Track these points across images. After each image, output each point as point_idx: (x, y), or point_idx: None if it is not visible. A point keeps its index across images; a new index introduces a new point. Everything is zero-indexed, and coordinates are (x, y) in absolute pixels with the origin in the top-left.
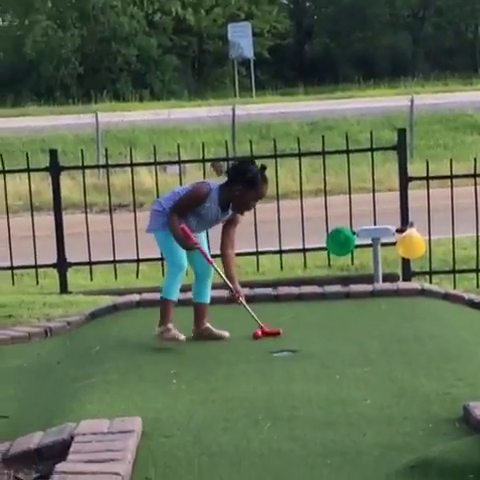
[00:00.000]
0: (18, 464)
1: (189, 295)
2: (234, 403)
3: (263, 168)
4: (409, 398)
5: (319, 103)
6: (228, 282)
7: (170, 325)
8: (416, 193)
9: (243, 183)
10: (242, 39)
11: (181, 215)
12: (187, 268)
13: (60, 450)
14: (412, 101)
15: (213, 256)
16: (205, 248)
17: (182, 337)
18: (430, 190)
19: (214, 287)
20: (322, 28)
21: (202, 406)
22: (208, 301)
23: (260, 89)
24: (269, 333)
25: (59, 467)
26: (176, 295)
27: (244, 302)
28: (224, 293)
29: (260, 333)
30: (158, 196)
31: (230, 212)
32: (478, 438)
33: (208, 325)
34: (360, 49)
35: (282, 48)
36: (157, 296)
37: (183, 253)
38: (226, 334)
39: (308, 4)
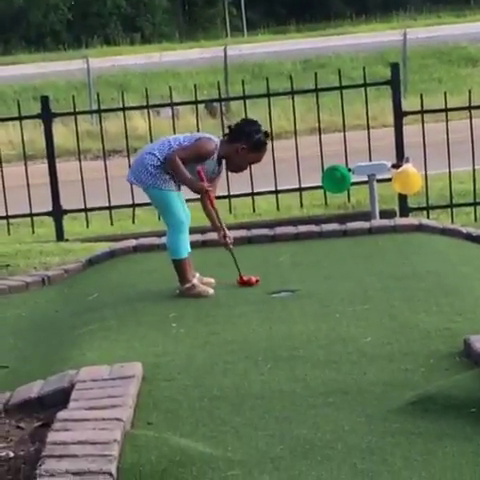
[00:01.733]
0: (20, 413)
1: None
2: (234, 345)
3: (266, 134)
4: (409, 334)
5: (312, 41)
6: (221, 225)
7: (195, 280)
8: (411, 128)
9: (248, 143)
10: None
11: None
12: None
13: (61, 398)
14: (405, 35)
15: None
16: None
17: (211, 291)
18: (425, 125)
19: (208, 230)
20: None
21: (202, 349)
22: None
23: (251, 28)
24: (246, 282)
25: (60, 415)
26: (186, 251)
27: (231, 247)
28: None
29: (240, 281)
30: (152, 140)
31: (223, 168)
32: (479, 372)
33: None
34: None
35: None
36: (154, 241)
37: (181, 207)
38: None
39: None
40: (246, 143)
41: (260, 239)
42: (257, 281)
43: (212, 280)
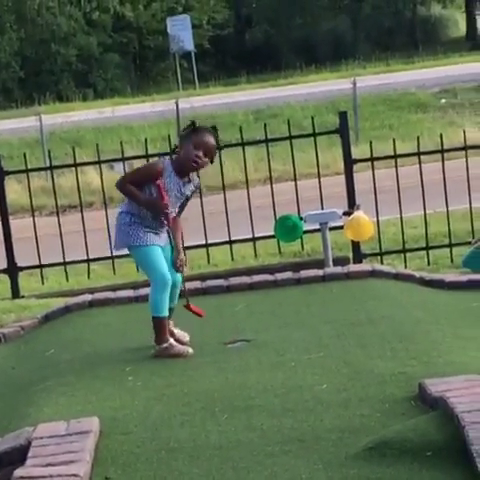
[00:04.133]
0: None
1: None
2: (191, 397)
3: (213, 128)
4: (365, 380)
5: (263, 91)
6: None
7: (171, 340)
8: (364, 175)
9: (182, 138)
10: (182, 32)
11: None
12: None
13: (18, 455)
14: (354, 83)
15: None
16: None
17: (190, 351)
18: (377, 171)
19: None
20: (261, 16)
21: (159, 402)
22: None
23: (203, 81)
24: (193, 311)
25: (17, 473)
26: (167, 310)
27: (183, 270)
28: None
29: (187, 306)
30: (104, 195)
31: (193, 184)
32: (434, 415)
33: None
34: (301, 35)
35: (222, 38)
36: (109, 295)
37: (164, 261)
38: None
39: None
40: (181, 140)
41: (215, 290)
42: (201, 315)
43: (186, 336)
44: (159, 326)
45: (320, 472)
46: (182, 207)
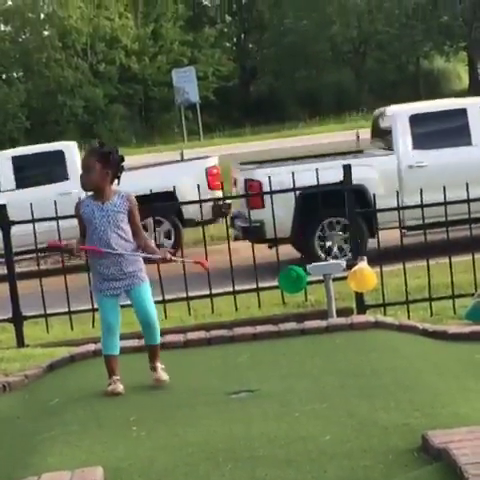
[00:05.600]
0: None
1: None
2: (195, 447)
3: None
4: (368, 431)
5: (267, 143)
6: (150, 254)
7: (114, 377)
8: None
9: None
10: (187, 84)
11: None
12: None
13: None
14: (358, 135)
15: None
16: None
17: (119, 389)
18: None
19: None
20: (266, 68)
21: (163, 452)
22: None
23: (208, 132)
24: (199, 262)
25: None
26: (111, 349)
27: (174, 257)
28: (178, 337)
29: (202, 264)
30: None
31: (116, 199)
32: (437, 467)
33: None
34: (305, 87)
35: (227, 90)
36: None
37: (106, 308)
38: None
39: (251, 46)
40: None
41: (219, 340)
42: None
43: (165, 377)
44: (105, 362)
45: None
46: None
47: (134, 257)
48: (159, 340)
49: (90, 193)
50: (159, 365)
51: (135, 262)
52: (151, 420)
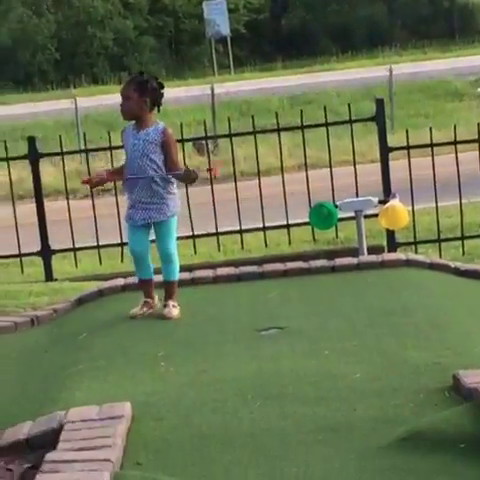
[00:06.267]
0: (9, 455)
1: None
2: (223, 383)
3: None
4: (398, 370)
5: (298, 77)
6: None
7: (144, 299)
8: (399, 163)
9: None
10: (218, 16)
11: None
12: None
13: (50, 439)
14: (391, 71)
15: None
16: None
17: (131, 312)
18: (413, 160)
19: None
20: (298, 1)
21: (191, 388)
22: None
23: (238, 66)
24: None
25: (49, 456)
26: (140, 274)
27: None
28: (208, 272)
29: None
30: None
31: (148, 132)
32: (468, 407)
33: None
34: (337, 21)
35: (258, 23)
36: None
37: (131, 237)
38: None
39: None
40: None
41: (249, 276)
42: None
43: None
44: (139, 287)
45: (353, 462)
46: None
47: (161, 191)
48: (176, 278)
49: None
50: (171, 303)
51: (161, 195)
52: (179, 356)
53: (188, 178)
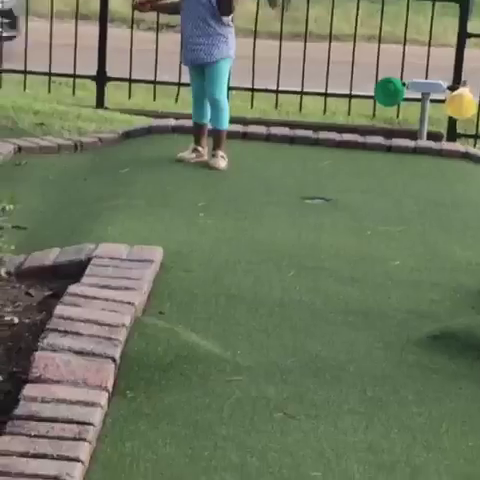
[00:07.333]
0: (31, 279)
1: None
2: (260, 245)
3: None
4: (440, 264)
5: None
6: None
7: (193, 145)
8: (472, 52)
9: None
10: None
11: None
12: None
13: (75, 270)
14: None
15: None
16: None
17: (179, 155)
18: None
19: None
20: None
21: (227, 244)
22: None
23: None
24: None
25: (72, 289)
26: (195, 117)
27: None
28: (262, 129)
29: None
30: None
31: None
32: None
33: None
34: None
35: None
36: None
37: (190, 77)
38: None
39: None
40: None
41: (302, 141)
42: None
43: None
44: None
45: (379, 351)
46: None
47: (211, 31)
48: (224, 127)
49: None
50: (220, 153)
51: (211, 36)
52: (220, 210)
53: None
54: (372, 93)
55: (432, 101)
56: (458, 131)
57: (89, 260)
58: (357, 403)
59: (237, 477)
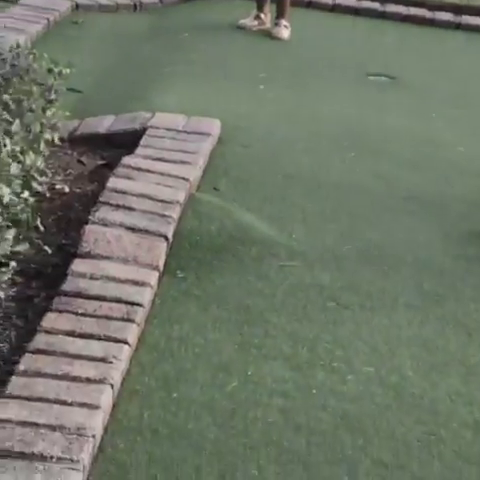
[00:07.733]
0: (84, 146)
1: None
2: (321, 123)
3: None
4: None
5: None
6: None
7: (256, 12)
8: None
9: None
10: None
11: None
12: None
13: (129, 140)
14: None
15: None
16: None
17: (240, 22)
18: None
19: None
20: None
21: (287, 120)
22: None
23: None
24: None
25: (125, 160)
26: None
27: None
28: None
29: None
30: None
31: None
32: None
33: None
34: None
35: None
36: None
37: None
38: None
39: None
40: None
41: (368, 13)
42: None
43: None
44: None
45: (439, 242)
46: None
47: None
48: None
49: None
50: (283, 22)
51: None
52: (281, 83)
53: None
54: None
55: None
56: None
57: (144, 130)
58: (413, 296)
59: (287, 368)
